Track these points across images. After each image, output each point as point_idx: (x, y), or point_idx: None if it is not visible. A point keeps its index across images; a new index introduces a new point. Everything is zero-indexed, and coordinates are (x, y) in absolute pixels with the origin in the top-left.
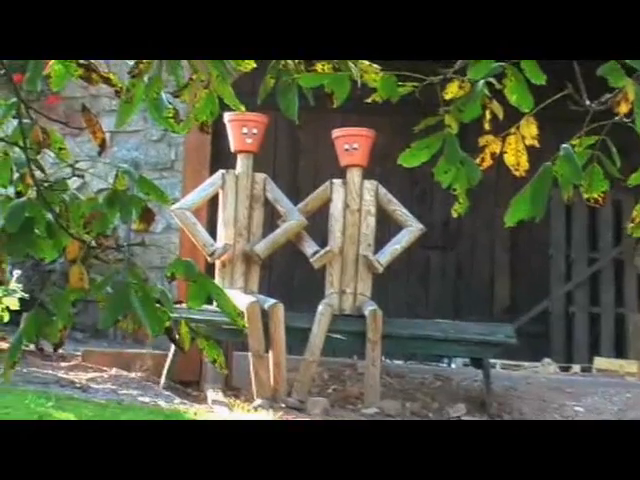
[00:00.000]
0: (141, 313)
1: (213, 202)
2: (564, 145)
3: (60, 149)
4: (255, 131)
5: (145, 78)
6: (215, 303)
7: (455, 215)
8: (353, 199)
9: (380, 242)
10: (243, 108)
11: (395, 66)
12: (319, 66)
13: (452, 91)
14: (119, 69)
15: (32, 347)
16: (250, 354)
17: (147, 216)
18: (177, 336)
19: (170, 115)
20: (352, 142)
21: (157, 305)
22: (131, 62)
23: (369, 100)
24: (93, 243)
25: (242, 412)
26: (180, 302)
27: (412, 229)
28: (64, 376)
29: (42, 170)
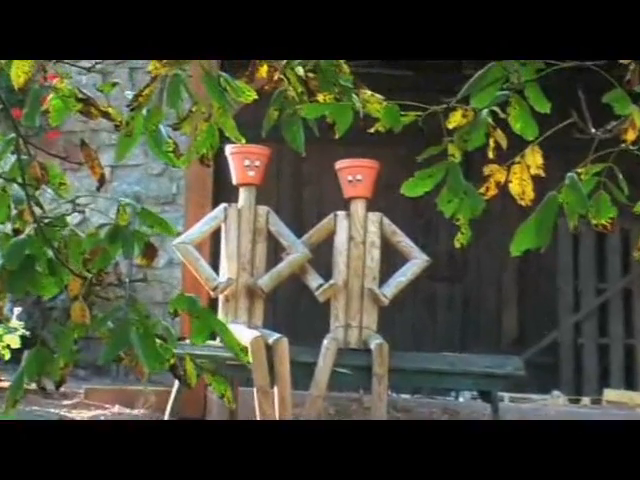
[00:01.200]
0: (139, 349)
1: (216, 236)
2: (570, 174)
3: (60, 184)
4: (257, 163)
5: (144, 111)
6: (218, 338)
7: (458, 245)
8: (357, 231)
9: (385, 274)
10: (244, 140)
11: (398, 96)
12: (321, 97)
13: (455, 120)
14: (119, 102)
15: (34, 385)
16: (255, 389)
17: (150, 251)
18: (182, 373)
19: (170, 149)
20: (356, 173)
21: (160, 341)
22: (130, 94)
23: (372, 130)
24: (94, 280)
25: None
26: (184, 338)
27: (417, 261)
28: (66, 414)
29: (41, 207)
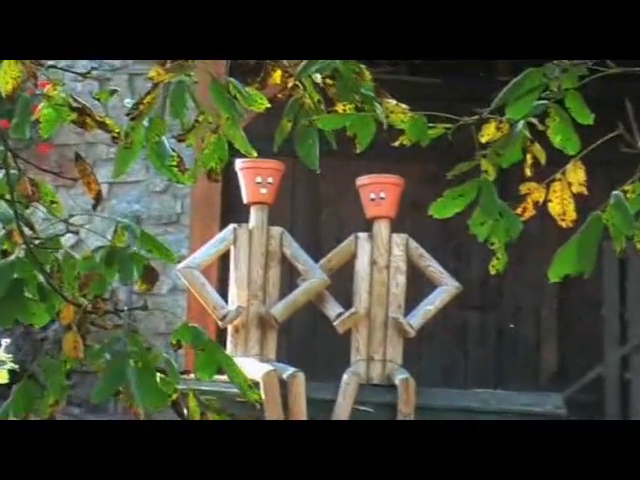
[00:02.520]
0: (135, 387)
1: (224, 260)
2: (615, 192)
3: (52, 203)
4: (270, 180)
5: (145, 121)
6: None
7: (493, 272)
8: (381, 255)
9: (411, 302)
10: (255, 154)
11: (425, 106)
12: (340, 107)
13: (489, 133)
14: (118, 112)
15: None
16: None
17: (150, 275)
18: (185, 410)
19: (173, 163)
20: (379, 191)
21: (161, 376)
22: (130, 102)
23: (396, 144)
24: (90, 307)
25: None
26: (188, 372)
27: (447, 287)
28: None
29: (31, 227)
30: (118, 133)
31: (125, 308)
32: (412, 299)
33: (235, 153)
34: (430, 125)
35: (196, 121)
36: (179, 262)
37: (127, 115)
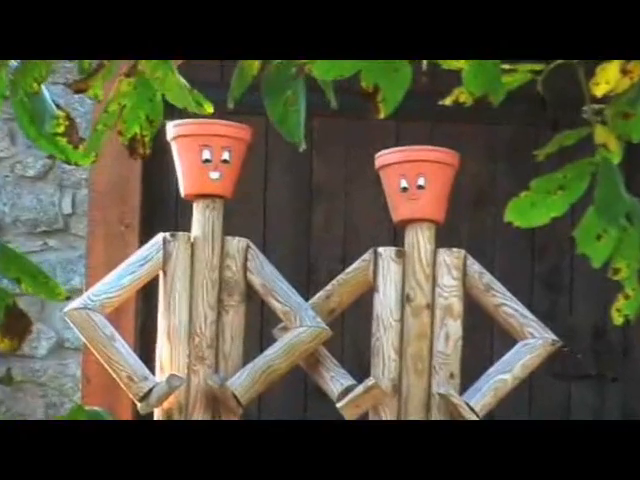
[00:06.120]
0: None
1: (148, 294)
2: None
3: None
4: (226, 156)
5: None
6: None
7: (618, 320)
8: (418, 285)
9: (472, 367)
10: (210, 108)
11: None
12: None
13: (608, 80)
14: None
15: None
16: None
17: (17, 325)
18: None
19: (59, 128)
20: (416, 175)
21: None
22: None
23: (447, 101)
24: None
25: None
26: None
27: (534, 342)
28: None
29: None
30: None
31: None
32: (472, 361)
33: (169, 112)
34: (505, 67)
35: (102, 63)
36: (69, 299)
37: None
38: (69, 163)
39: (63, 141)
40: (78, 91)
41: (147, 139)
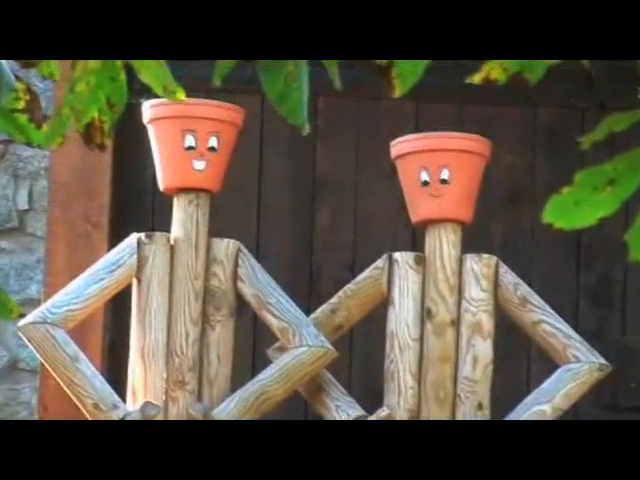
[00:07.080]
0: None
1: (119, 306)
2: None
3: None
4: (214, 143)
5: None
6: None
7: None
8: (441, 298)
9: (506, 394)
10: (182, 95)
11: None
12: None
13: None
14: None
15: None
16: None
17: None
18: None
19: (19, 104)
20: (438, 166)
21: None
22: None
23: (475, 80)
24: None
25: None
26: None
27: (579, 367)
28: None
29: None
30: None
31: None
32: (505, 389)
33: (140, 93)
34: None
35: None
36: (22, 316)
37: None
38: (30, 145)
39: (23, 118)
40: (27, 65)
41: (107, 126)
